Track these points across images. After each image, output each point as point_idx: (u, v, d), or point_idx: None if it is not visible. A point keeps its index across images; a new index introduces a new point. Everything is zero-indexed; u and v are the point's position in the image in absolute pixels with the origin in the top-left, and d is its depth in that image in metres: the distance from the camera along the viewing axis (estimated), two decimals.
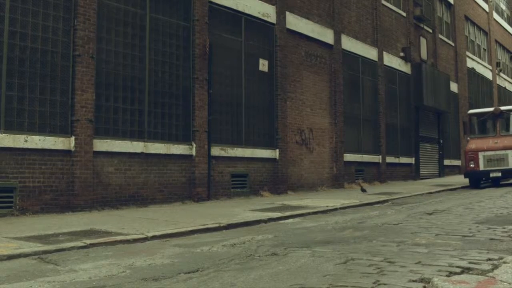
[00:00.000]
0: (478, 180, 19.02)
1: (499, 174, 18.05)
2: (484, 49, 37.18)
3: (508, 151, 18.00)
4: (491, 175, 18.21)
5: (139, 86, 12.32)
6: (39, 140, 10.19)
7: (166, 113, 12.93)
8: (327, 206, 11.88)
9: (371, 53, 22.10)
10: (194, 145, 13.34)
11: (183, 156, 13.11)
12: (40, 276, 5.17)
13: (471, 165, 18.52)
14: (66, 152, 10.65)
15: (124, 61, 12.02)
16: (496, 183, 19.85)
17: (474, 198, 13.04)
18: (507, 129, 19.20)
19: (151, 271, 5.29)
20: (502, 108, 19.44)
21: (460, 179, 21.49)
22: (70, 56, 10.89)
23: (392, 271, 4.73)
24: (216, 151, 13.99)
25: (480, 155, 18.36)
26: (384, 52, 23.07)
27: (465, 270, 4.67)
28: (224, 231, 8.55)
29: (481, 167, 18.32)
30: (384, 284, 4.28)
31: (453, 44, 31.19)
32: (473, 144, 18.90)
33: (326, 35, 19.13)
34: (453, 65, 30.98)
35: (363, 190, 16.03)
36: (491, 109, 19.77)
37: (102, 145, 11.28)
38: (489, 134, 19.36)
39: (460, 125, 29.71)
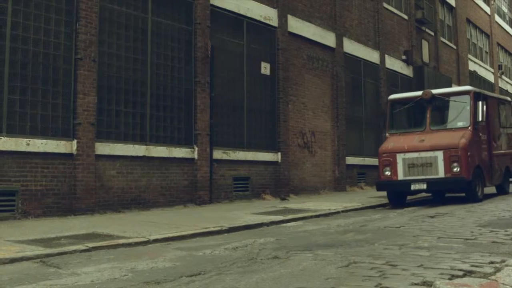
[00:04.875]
0: (400, 195, 13.56)
1: (424, 186, 12.62)
2: (486, 52, 37.18)
3: (438, 153, 12.56)
4: (413, 187, 12.68)
5: (141, 89, 12.33)
6: (41, 143, 10.20)
7: (168, 116, 12.94)
8: (329, 209, 11.87)
9: (373, 56, 22.10)
10: (196, 148, 13.34)
11: (185, 160, 13.12)
12: (42, 280, 5.17)
13: (386, 173, 13.10)
14: (68, 156, 10.66)
15: (126, 64, 12.03)
16: (438, 197, 15.04)
17: (474, 202, 13.00)
18: (440, 122, 13.90)
19: (153, 274, 5.29)
20: (435, 91, 13.90)
21: None
22: (72, 60, 10.90)
23: (394, 274, 4.72)
24: (218, 154, 14.00)
25: (399, 158, 12.93)
26: (386, 55, 23.07)
27: (467, 273, 4.66)
28: (226, 234, 8.55)
29: (400, 176, 12.87)
30: (386, 287, 4.28)
31: (455, 47, 31.19)
32: (391, 142, 13.55)
33: (328, 38, 19.14)
34: (455, 68, 30.98)
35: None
36: (419, 93, 14.16)
37: (104, 148, 11.29)
38: (416, 129, 13.84)
39: None
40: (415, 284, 4.33)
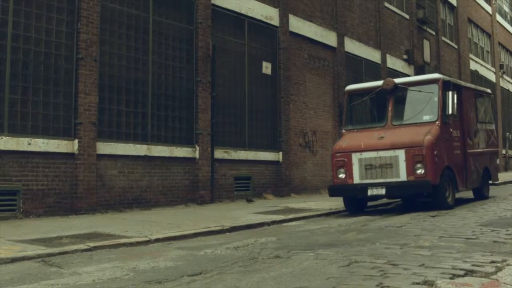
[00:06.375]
0: (357, 201, 11.73)
1: (382, 191, 10.77)
2: (487, 51, 37.14)
3: (399, 152, 10.77)
4: (370, 192, 10.87)
5: (142, 89, 12.34)
6: (43, 143, 10.21)
7: (169, 116, 12.94)
8: (330, 209, 11.87)
9: (374, 55, 22.09)
10: (198, 148, 13.35)
11: (186, 159, 13.12)
12: (43, 279, 5.18)
13: (340, 176, 11.36)
14: (70, 155, 10.67)
15: (127, 64, 12.04)
16: (408, 202, 13.04)
17: (477, 201, 12.99)
18: (404, 116, 11.85)
19: (154, 274, 5.29)
20: (397, 80, 12.00)
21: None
22: (74, 59, 10.91)
23: (396, 274, 4.72)
24: (219, 153, 14.00)
25: (354, 158, 11.17)
26: (387, 55, 23.06)
27: (469, 273, 4.66)
28: (227, 234, 8.56)
29: (356, 179, 11.14)
30: (388, 286, 4.28)
31: (456, 47, 31.17)
32: (346, 140, 11.75)
33: (329, 38, 19.13)
34: (456, 68, 30.96)
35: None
36: (380, 82, 12.19)
37: (105, 148, 11.30)
38: (376, 124, 11.95)
39: None
40: (417, 283, 4.33)
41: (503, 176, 25.60)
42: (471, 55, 33.40)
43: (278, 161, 16.13)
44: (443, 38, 29.33)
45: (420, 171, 10.62)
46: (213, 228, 8.64)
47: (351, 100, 12.53)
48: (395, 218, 9.87)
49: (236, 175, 14.66)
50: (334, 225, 9.25)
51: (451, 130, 11.71)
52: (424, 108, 11.49)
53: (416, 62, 25.30)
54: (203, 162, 13.41)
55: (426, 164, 10.59)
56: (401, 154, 10.74)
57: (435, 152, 10.77)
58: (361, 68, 21.25)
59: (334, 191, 11.64)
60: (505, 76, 39.37)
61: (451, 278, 4.45)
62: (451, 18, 31.26)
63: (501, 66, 38.52)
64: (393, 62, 23.61)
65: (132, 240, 7.41)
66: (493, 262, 5.09)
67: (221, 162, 14.11)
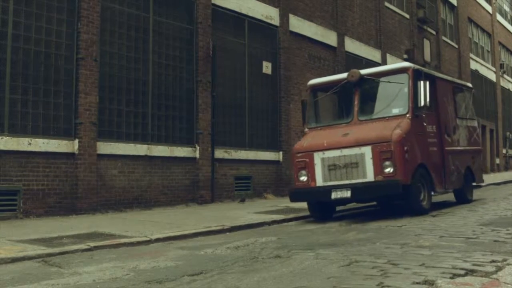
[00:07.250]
0: (324, 206, 10.44)
1: (348, 194, 9.54)
2: (488, 51, 37.14)
3: (365, 149, 9.59)
4: (334, 195, 9.63)
5: (142, 89, 12.34)
6: (43, 143, 10.21)
7: (169, 116, 12.95)
8: None
9: (374, 55, 22.09)
10: (198, 148, 13.35)
11: (186, 159, 13.12)
12: (44, 279, 5.18)
13: (302, 178, 10.18)
14: (70, 155, 10.68)
15: (127, 64, 12.04)
16: (386, 205, 11.94)
17: (477, 201, 12.97)
18: (372, 110, 10.62)
19: (155, 273, 5.29)
20: (364, 72, 10.84)
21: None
22: (74, 59, 10.91)
23: (396, 273, 4.72)
24: (219, 153, 14.00)
25: (317, 158, 10.01)
26: (388, 54, 23.05)
27: (469, 272, 4.65)
28: (228, 233, 8.56)
29: (319, 181, 9.96)
30: (388, 286, 4.27)
31: (456, 46, 31.17)
32: (308, 139, 10.63)
33: (330, 38, 19.13)
34: (456, 67, 30.95)
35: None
36: (345, 75, 11.06)
37: (106, 148, 11.30)
38: (341, 120, 10.82)
39: None
40: (417, 283, 4.33)
41: (503, 176, 25.62)
42: (471, 55, 33.40)
43: (278, 161, 16.13)
44: (444, 38, 29.33)
45: (388, 170, 9.43)
46: (213, 228, 8.64)
47: (314, 95, 11.43)
48: (396, 218, 9.85)
49: (237, 174, 14.67)
50: (334, 225, 9.25)
51: (425, 124, 10.53)
52: (393, 101, 10.36)
53: (416, 62, 25.24)
54: (203, 162, 13.41)
55: (396, 162, 9.40)
56: (367, 151, 9.56)
57: (406, 148, 9.57)
58: (362, 68, 21.18)
59: (295, 195, 10.46)
60: (505, 76, 39.37)
61: (451, 278, 4.44)
62: (452, 17, 31.26)
63: (502, 66, 38.52)
64: (393, 62, 23.55)
65: (132, 240, 7.41)
66: (493, 261, 5.08)
67: (222, 161, 14.12)
